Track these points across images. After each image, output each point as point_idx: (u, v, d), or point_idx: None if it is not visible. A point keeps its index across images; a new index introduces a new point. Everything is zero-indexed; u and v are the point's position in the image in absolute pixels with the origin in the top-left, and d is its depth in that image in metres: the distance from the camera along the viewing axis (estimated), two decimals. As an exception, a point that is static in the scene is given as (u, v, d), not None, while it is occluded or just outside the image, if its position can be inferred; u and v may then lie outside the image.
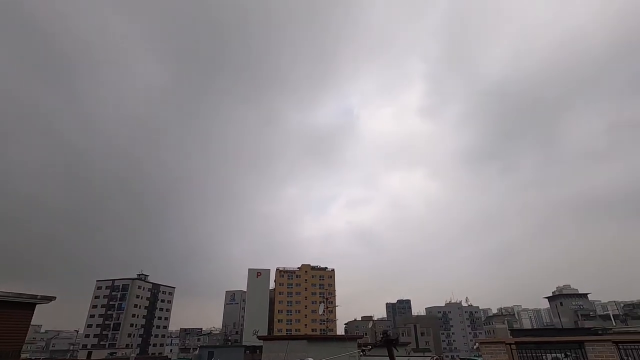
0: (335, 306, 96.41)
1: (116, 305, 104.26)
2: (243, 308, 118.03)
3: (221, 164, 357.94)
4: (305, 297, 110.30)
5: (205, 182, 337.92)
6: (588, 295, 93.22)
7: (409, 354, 35.67)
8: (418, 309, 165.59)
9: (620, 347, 10.21)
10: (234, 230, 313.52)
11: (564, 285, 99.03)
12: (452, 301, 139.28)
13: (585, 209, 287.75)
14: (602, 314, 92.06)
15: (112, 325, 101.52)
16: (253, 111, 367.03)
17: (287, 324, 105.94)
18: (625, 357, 11.66)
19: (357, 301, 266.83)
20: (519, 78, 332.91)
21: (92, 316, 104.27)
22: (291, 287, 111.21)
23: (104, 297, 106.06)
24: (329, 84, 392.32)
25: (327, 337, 25.63)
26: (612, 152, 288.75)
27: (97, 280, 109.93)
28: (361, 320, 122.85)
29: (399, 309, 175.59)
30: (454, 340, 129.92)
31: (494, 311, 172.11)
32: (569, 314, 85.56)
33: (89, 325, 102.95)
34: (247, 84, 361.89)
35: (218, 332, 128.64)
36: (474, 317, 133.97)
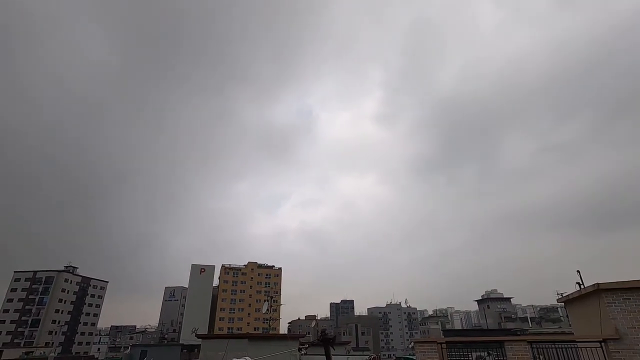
0: (279, 305, 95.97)
1: (37, 300, 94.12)
2: (183, 305, 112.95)
3: (170, 154, 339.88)
4: (250, 295, 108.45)
5: (152, 172, 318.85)
6: (511, 299, 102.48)
7: (348, 352, 36.58)
8: (361, 309, 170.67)
9: (533, 346, 11.39)
10: (180, 225, 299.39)
11: (491, 290, 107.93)
12: (393, 302, 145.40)
13: (515, 221, 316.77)
14: (522, 316, 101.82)
15: (30, 322, 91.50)
16: (209, 102, 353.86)
17: (229, 322, 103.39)
18: (537, 355, 13.05)
19: (303, 300, 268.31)
20: (468, 97, 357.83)
21: (5, 311, 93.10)
22: (236, 285, 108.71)
23: (22, 290, 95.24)
24: (290, 83, 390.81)
25: (268, 336, 25.45)
26: (538, 171, 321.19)
27: (15, 272, 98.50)
28: (305, 320, 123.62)
29: (343, 309, 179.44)
30: (392, 340, 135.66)
31: (430, 312, 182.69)
32: (494, 316, 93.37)
33: (1, 322, 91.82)
34: (205, 74, 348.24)
35: (154, 330, 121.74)
36: (411, 317, 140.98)
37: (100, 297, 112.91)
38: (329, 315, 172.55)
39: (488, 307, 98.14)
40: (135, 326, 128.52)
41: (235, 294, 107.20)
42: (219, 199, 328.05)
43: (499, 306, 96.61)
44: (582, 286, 12.50)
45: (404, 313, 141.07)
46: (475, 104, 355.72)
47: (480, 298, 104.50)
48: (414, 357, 16.33)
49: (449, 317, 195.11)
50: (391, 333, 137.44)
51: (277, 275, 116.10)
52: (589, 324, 11.94)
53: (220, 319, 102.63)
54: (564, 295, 14.81)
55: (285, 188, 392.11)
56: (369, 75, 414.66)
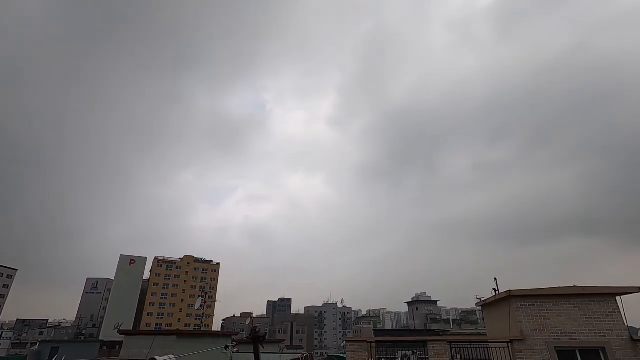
0: (214, 301, 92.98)
1: None
2: (107, 299, 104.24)
3: (105, 133, 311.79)
4: (184, 290, 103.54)
5: (81, 150, 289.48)
6: (437, 302, 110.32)
7: (282, 351, 36.58)
8: (298, 308, 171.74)
9: (452, 345, 12.40)
10: (111, 212, 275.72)
11: (421, 293, 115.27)
12: (329, 302, 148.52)
13: (446, 230, 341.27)
14: (446, 318, 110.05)
15: None
16: (155, 81, 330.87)
17: (159, 318, 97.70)
18: (455, 354, 14.21)
19: (241, 298, 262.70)
20: (416, 110, 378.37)
21: None
22: (169, 279, 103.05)
23: None
24: (246, 73, 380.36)
25: (199, 333, 24.49)
26: (474, 186, 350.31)
27: None
28: (240, 317, 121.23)
29: (280, 307, 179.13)
30: (326, 339, 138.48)
31: (364, 313, 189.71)
32: (421, 318, 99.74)
33: None
34: (153, 51, 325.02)
35: (70, 325, 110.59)
36: (346, 317, 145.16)
37: (7, 286, 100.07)
38: (265, 313, 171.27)
39: (417, 309, 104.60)
40: (47, 320, 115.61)
41: (167, 288, 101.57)
42: (159, 187, 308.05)
43: (426, 308, 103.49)
44: (497, 292, 13.88)
45: (339, 313, 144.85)
46: (422, 117, 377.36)
47: (411, 300, 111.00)
48: (345, 356, 16.85)
49: (381, 317, 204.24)
50: (325, 332, 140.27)
51: (215, 271, 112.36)
52: (500, 326, 13.27)
53: (148, 314, 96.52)
54: (481, 299, 16.32)
55: (232, 181, 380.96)
56: (326, 76, 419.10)
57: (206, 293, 36.64)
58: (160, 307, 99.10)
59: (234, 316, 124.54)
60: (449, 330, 62.68)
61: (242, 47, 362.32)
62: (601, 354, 10.95)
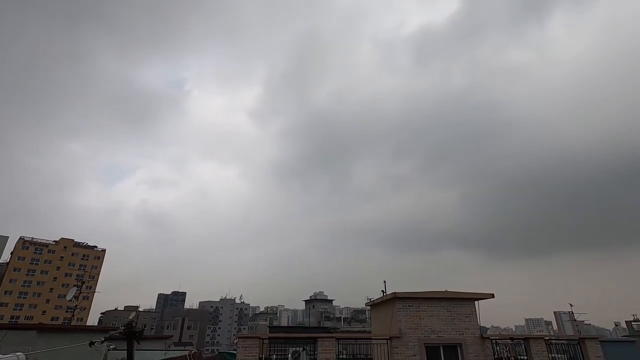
0: (94, 292, 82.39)
1: None
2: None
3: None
4: (55, 278, 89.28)
5: None
6: (333, 301, 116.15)
7: (168, 347, 34.16)
8: (193, 303, 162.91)
9: (340, 342, 13.22)
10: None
11: (319, 292, 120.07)
12: (227, 297, 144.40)
13: (349, 233, 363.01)
14: (338, 316, 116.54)
15: None
16: (53, 35, 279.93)
17: (17, 309, 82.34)
18: (342, 350, 15.13)
19: (130, 289, 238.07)
20: (337, 117, 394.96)
21: None
22: (37, 264, 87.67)
23: None
24: (167, 47, 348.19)
25: (67, 328, 21.38)
26: (377, 196, 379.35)
27: None
28: (123, 310, 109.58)
29: (173, 301, 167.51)
30: (219, 335, 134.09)
31: (262, 309, 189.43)
32: (316, 315, 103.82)
33: None
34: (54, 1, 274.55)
35: None
36: (242, 313, 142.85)
37: None
38: (154, 307, 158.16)
39: (313, 307, 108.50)
40: None
41: (32, 275, 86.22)
42: (40, 156, 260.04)
43: (322, 307, 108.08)
44: (384, 293, 15.24)
45: (237, 309, 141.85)
46: (340, 126, 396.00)
47: (308, 299, 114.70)
48: (235, 352, 16.56)
49: (278, 314, 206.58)
50: (219, 328, 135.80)
51: (99, 258, 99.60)
52: (384, 324, 14.62)
53: (2, 304, 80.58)
54: (371, 300, 17.76)
55: (134, 160, 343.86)
56: (253, 68, 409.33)
57: (83, 282, 32.22)
58: (20, 297, 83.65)
59: (115, 309, 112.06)
60: (339, 328, 66.58)
61: (166, 17, 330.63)
62: (458, 349, 12.90)
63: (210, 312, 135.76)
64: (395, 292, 13.25)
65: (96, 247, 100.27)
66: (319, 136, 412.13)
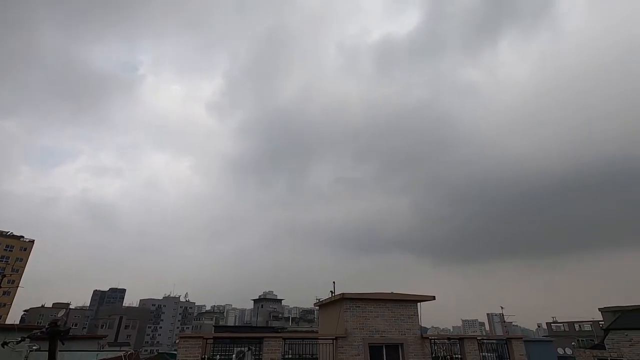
0: (17, 287, 74.43)
1: None
2: None
3: None
4: (-30, 271, 79.24)
5: None
6: (282, 300, 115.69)
7: (102, 347, 31.80)
8: (133, 300, 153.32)
9: (286, 341, 13.19)
10: None
11: (268, 291, 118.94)
12: (172, 295, 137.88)
13: (303, 233, 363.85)
14: (287, 316, 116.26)
15: None
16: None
17: None
18: (288, 350, 15.09)
19: (62, 284, 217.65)
20: (299, 117, 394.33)
21: None
22: (-52, 254, 77.36)
23: None
24: (122, 25, 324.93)
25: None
26: (334, 198, 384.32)
27: None
28: (51, 308, 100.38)
29: (110, 298, 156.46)
30: (160, 335, 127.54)
31: (208, 308, 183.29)
32: (265, 315, 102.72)
33: None
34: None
35: None
36: (187, 312, 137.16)
37: None
38: (88, 304, 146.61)
39: (262, 306, 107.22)
40: None
41: (-59, 267, 75.80)
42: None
43: (270, 306, 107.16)
44: (333, 294, 15.46)
45: (181, 307, 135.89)
46: (301, 125, 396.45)
47: (257, 298, 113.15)
48: (175, 352, 15.87)
49: (225, 313, 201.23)
50: (161, 327, 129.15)
51: (25, 249, 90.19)
52: (331, 324, 14.82)
53: None
54: (320, 300, 17.94)
55: (75, 143, 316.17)
56: (215, 59, 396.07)
57: (4, 276, 29.03)
58: None
59: (42, 306, 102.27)
60: (287, 328, 66.45)
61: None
62: (400, 349, 13.46)
63: (152, 310, 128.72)
64: (343, 293, 13.51)
65: (22, 237, 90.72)
66: (278, 134, 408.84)
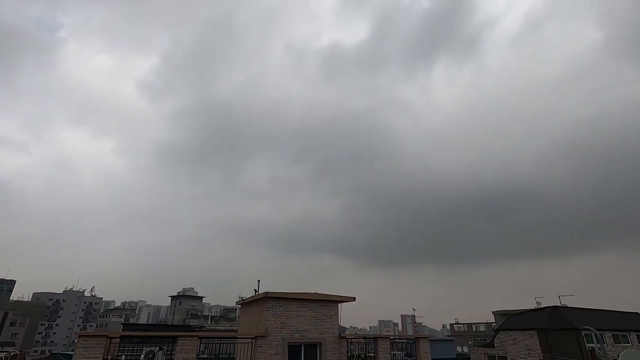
0: None
1: None
2: None
3: None
4: None
5: None
6: (203, 298, 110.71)
7: (-25, 348, 27.09)
8: (24, 293, 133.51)
9: (202, 341, 12.61)
10: None
11: (189, 288, 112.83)
12: (75, 289, 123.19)
13: (236, 231, 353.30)
14: (207, 314, 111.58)
15: None
16: None
17: None
18: (204, 349, 14.42)
19: None
20: (238, 111, 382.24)
21: None
22: None
23: None
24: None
25: None
26: (268, 197, 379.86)
27: None
28: None
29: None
30: (55, 333, 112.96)
31: (117, 304, 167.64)
32: (183, 313, 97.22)
33: None
34: None
35: None
36: (92, 308, 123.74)
37: None
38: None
39: (180, 303, 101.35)
40: None
41: None
42: None
43: (189, 304, 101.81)
44: (256, 292, 15.25)
45: (85, 303, 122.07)
46: (240, 120, 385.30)
47: (176, 294, 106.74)
48: (72, 353, 14.19)
49: (137, 310, 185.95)
50: (57, 325, 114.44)
51: None
52: (252, 323, 14.56)
53: None
54: (243, 298, 17.53)
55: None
56: (154, 35, 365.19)
57: None
58: None
59: None
60: (205, 326, 63.76)
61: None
62: (318, 348, 13.75)
63: (48, 305, 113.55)
64: (267, 292, 13.39)
65: None
66: (216, 126, 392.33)
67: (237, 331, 18.87)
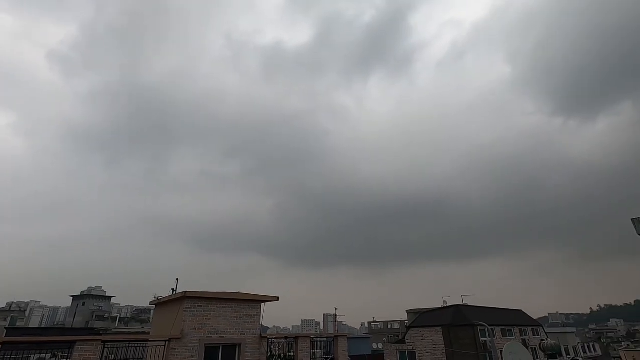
0: None
1: None
2: None
3: None
4: None
5: None
6: (112, 298, 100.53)
7: None
8: None
9: (107, 345, 11.44)
10: None
11: (95, 286, 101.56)
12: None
13: (157, 226, 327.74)
14: (115, 316, 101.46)
15: None
16: None
17: None
18: (109, 355, 13.09)
19: None
20: (168, 99, 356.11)
21: None
22: None
23: None
24: None
25: None
26: (193, 190, 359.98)
27: None
28: None
29: None
30: None
31: (2, 305, 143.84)
32: (86, 314, 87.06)
33: None
34: None
35: None
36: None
37: None
38: None
39: (84, 304, 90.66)
40: None
41: None
42: None
43: (95, 304, 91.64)
44: (174, 292, 14.38)
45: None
46: (171, 106, 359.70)
47: (79, 294, 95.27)
48: None
49: (28, 312, 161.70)
50: None
51: None
52: (168, 324, 13.65)
53: None
54: (158, 298, 16.34)
55: None
56: (75, 3, 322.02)
57: None
58: None
59: None
60: (111, 329, 57.94)
61: None
62: (237, 349, 13.43)
63: None
64: (186, 291, 12.68)
65: None
66: (141, 111, 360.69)
67: (149, 333, 17.54)
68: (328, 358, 16.27)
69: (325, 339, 17.38)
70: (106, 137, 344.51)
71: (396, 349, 33.17)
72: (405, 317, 63.74)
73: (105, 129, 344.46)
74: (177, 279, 15.03)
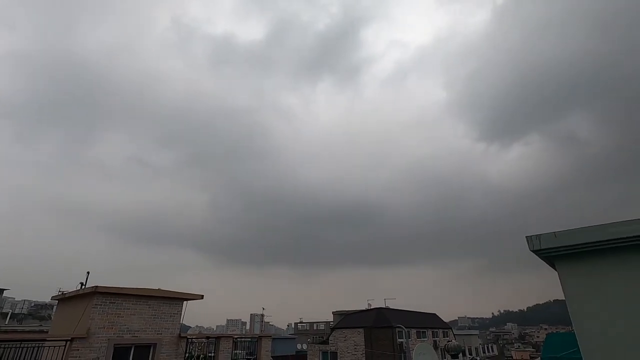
0: None
1: None
2: None
3: None
4: None
5: None
6: (5, 291, 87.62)
7: None
8: None
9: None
10: None
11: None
12: None
13: (76, 216, 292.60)
14: (6, 311, 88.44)
15: None
16: None
17: None
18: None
19: None
20: (100, 73, 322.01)
21: None
22: None
23: None
24: None
25: None
26: (118, 177, 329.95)
27: None
28: None
29: None
30: None
31: None
32: (-33, 310, 74.39)
33: None
34: None
35: None
36: None
37: None
38: None
39: (-34, 297, 77.50)
40: None
41: None
42: None
43: (-18, 298, 78.92)
44: (83, 286, 13.00)
45: None
46: (101, 84, 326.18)
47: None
48: None
49: None
50: None
51: None
52: (72, 322, 12.25)
53: None
54: (63, 293, 14.59)
55: None
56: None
57: None
58: None
59: None
60: (0, 327, 50.27)
61: None
62: (152, 349, 12.55)
63: None
64: (97, 286, 11.52)
65: None
66: (66, 84, 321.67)
67: (47, 332, 15.60)
68: (250, 359, 16.01)
69: (249, 339, 17.07)
70: (21, 106, 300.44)
71: (319, 350, 33.83)
72: (331, 318, 65.29)
73: (20, 97, 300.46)
74: (88, 272, 13.60)
